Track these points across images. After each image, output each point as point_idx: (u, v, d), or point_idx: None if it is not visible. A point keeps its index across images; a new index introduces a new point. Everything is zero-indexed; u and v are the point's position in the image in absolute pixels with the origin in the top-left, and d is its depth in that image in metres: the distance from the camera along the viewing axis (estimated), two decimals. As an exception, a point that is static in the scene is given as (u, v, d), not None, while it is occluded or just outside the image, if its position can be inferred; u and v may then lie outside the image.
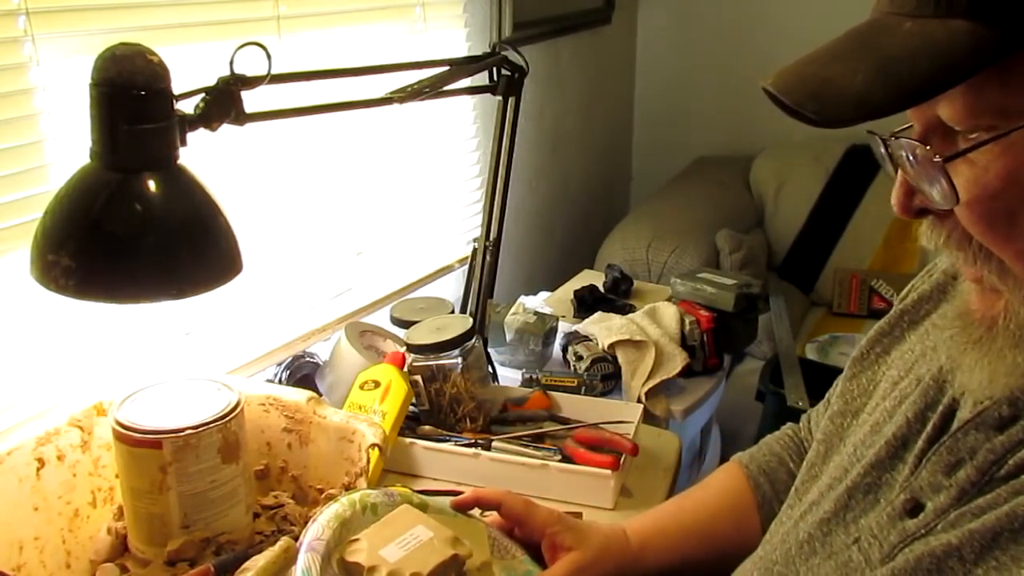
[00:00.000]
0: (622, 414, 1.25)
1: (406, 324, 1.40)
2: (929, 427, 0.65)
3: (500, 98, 1.35)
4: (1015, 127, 0.49)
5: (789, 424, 0.96)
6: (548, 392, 1.31)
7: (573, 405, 1.30)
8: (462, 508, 0.85)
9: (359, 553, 0.72)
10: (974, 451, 0.60)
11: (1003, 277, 0.54)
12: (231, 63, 0.82)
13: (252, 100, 0.87)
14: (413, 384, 1.21)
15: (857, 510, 0.67)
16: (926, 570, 0.58)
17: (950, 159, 0.51)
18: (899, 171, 0.56)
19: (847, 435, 0.75)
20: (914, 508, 0.62)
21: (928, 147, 0.52)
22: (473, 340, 1.26)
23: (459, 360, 1.22)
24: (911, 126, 0.55)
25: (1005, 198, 0.51)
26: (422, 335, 1.25)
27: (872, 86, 0.48)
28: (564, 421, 1.26)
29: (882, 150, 0.57)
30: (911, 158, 0.54)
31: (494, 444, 1.18)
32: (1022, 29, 0.47)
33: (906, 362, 0.73)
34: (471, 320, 1.30)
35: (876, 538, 0.64)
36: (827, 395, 0.88)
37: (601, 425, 1.21)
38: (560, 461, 1.14)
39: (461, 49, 1.78)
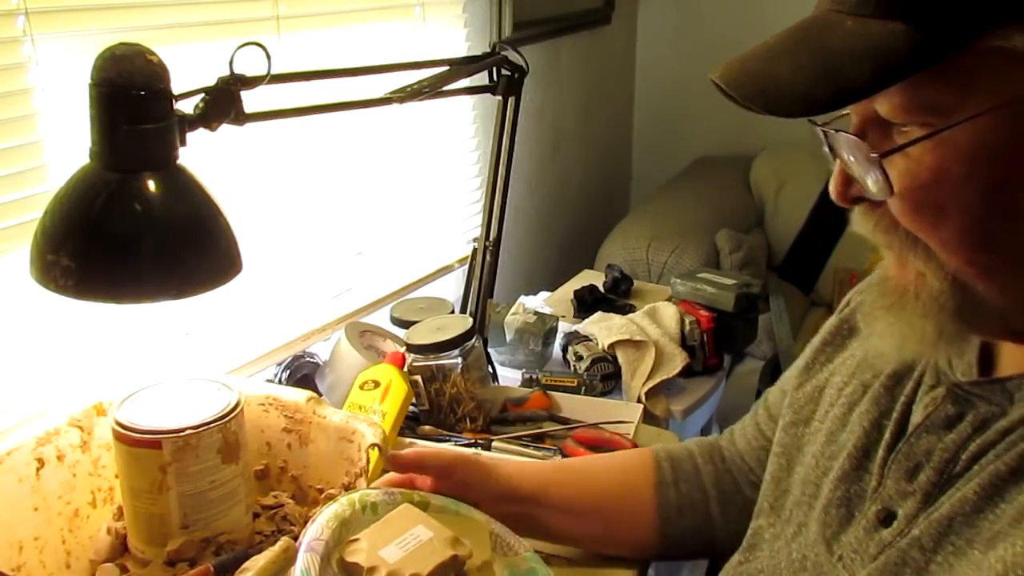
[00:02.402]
0: (622, 414, 1.25)
1: (406, 324, 1.40)
2: (887, 435, 0.67)
3: (500, 98, 1.35)
4: (947, 125, 0.51)
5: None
6: (548, 392, 1.31)
7: (573, 405, 1.30)
8: (402, 469, 0.85)
9: (358, 553, 0.72)
10: (929, 453, 0.62)
11: (927, 261, 0.56)
12: (231, 63, 0.82)
13: (252, 100, 0.87)
14: (413, 384, 1.21)
15: (835, 527, 0.68)
16: (893, 563, 0.60)
17: (886, 155, 0.53)
18: (837, 161, 0.58)
19: (804, 444, 0.77)
20: (887, 517, 0.64)
21: (865, 142, 0.54)
22: (473, 340, 1.26)
23: (459, 360, 1.22)
24: (847, 115, 0.57)
25: (935, 191, 0.53)
26: (422, 335, 1.25)
27: (816, 84, 0.51)
28: (564, 421, 1.26)
29: (822, 137, 0.59)
30: (850, 150, 0.56)
31: (494, 444, 1.18)
32: (956, 32, 0.49)
33: (848, 368, 0.76)
34: (471, 320, 1.30)
35: (857, 552, 0.65)
36: (754, 407, 0.93)
37: (601, 425, 1.21)
38: (560, 461, 1.14)
39: (461, 49, 1.78)
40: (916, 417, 0.65)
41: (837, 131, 0.56)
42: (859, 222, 0.60)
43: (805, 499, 0.73)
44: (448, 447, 1.15)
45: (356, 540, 0.74)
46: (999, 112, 0.50)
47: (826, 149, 0.60)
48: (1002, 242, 0.53)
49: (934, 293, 0.56)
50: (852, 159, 0.56)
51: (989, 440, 0.59)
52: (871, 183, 0.55)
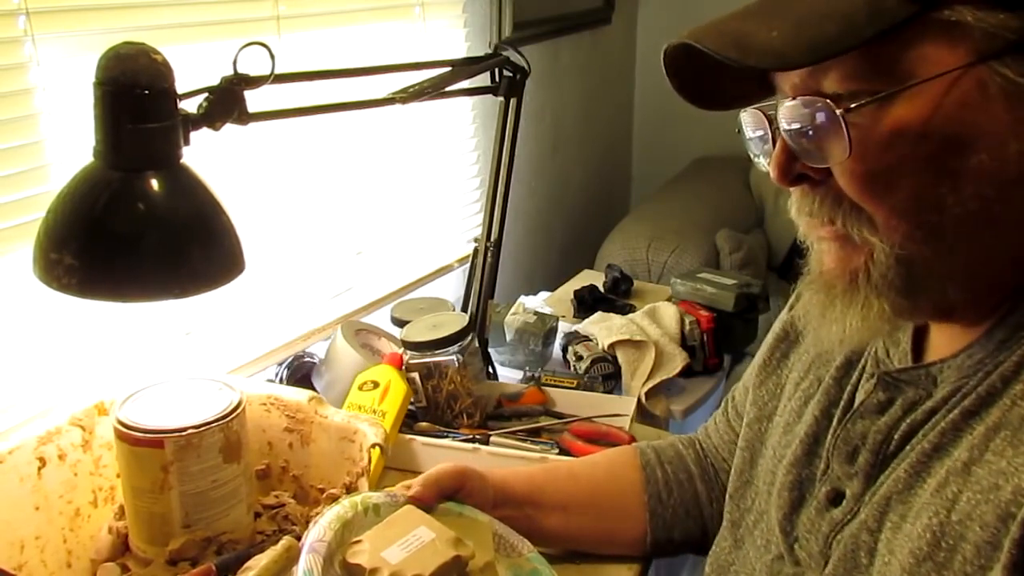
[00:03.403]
0: (616, 407, 1.26)
1: (406, 324, 1.40)
2: (834, 421, 0.71)
3: (501, 99, 1.35)
4: (902, 87, 0.54)
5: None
6: (542, 387, 1.32)
7: (568, 400, 1.31)
8: (427, 497, 0.83)
9: (361, 555, 0.72)
10: (864, 436, 0.67)
11: (872, 234, 0.58)
12: (235, 63, 0.82)
13: (254, 100, 0.87)
14: (410, 381, 1.21)
15: (787, 509, 0.72)
16: (850, 550, 0.64)
17: (851, 110, 0.55)
18: (778, 141, 0.60)
19: (766, 438, 0.81)
20: (836, 497, 0.68)
21: (829, 101, 0.56)
22: (469, 337, 1.26)
23: (455, 357, 1.23)
24: (772, 103, 0.61)
25: (888, 153, 0.55)
26: (419, 332, 1.25)
27: (787, 43, 0.54)
28: (559, 416, 1.26)
29: (747, 119, 0.63)
30: (801, 116, 0.57)
31: (492, 439, 1.18)
32: (914, 2, 0.52)
33: (804, 363, 0.79)
34: (467, 317, 1.30)
35: (811, 532, 0.69)
36: (723, 404, 0.96)
37: (595, 418, 1.21)
38: (558, 454, 1.14)
39: (461, 49, 1.78)
40: (856, 405, 0.70)
41: (795, 97, 0.58)
42: (799, 204, 0.62)
43: (765, 488, 0.78)
44: (449, 444, 1.16)
45: (358, 542, 0.73)
46: (949, 77, 0.53)
47: (750, 133, 0.64)
48: (950, 204, 0.55)
49: (882, 270, 0.59)
50: (800, 129, 0.58)
51: (918, 421, 0.63)
52: (826, 147, 0.57)
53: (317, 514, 0.76)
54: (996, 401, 0.58)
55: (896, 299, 0.59)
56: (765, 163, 0.63)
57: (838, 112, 0.55)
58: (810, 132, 0.57)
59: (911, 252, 0.57)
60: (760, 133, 0.63)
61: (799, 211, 0.63)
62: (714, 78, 0.62)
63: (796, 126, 0.58)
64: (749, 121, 0.64)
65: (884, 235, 0.58)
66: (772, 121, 0.61)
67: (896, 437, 0.64)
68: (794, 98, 0.58)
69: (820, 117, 0.56)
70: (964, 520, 0.56)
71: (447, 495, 0.84)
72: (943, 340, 0.65)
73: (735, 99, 0.65)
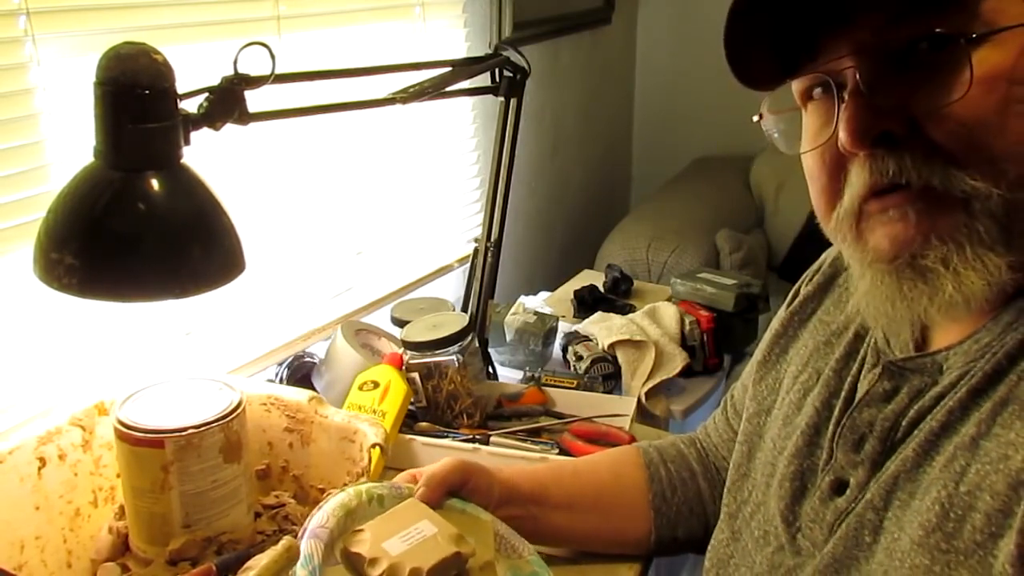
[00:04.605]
0: (616, 407, 1.26)
1: (406, 325, 1.40)
2: (836, 412, 0.72)
3: (501, 99, 1.35)
4: (992, 30, 0.54)
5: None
6: (542, 387, 1.32)
7: (568, 400, 1.31)
8: (434, 498, 0.82)
9: (361, 544, 0.72)
10: (871, 425, 0.67)
11: (979, 178, 0.55)
12: (235, 63, 0.82)
13: (254, 100, 0.87)
14: (410, 381, 1.21)
15: (788, 499, 0.72)
16: (854, 529, 0.65)
17: (980, 38, 0.54)
18: (851, 101, 0.57)
19: (765, 432, 0.81)
20: (840, 486, 0.68)
21: (938, 31, 0.55)
22: (469, 337, 1.26)
23: (455, 357, 1.23)
24: (830, 66, 0.58)
25: (991, 97, 0.54)
26: (419, 332, 1.25)
27: None
28: (559, 416, 1.26)
29: (779, 99, 0.62)
30: (916, 58, 0.56)
31: (492, 439, 1.18)
32: None
33: (802, 357, 0.80)
34: (467, 317, 1.30)
35: (815, 521, 0.69)
36: (721, 403, 0.97)
37: (597, 418, 1.21)
38: (558, 454, 1.14)
39: (461, 49, 1.79)
40: (859, 394, 0.70)
41: (903, 39, 0.55)
42: (868, 171, 0.58)
43: (763, 479, 0.78)
44: (449, 444, 1.16)
45: (360, 531, 0.74)
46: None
47: (772, 118, 0.63)
48: None
49: (986, 224, 0.56)
50: (911, 70, 0.55)
51: (926, 406, 0.63)
52: (937, 85, 0.55)
53: (322, 502, 0.76)
54: (1003, 379, 0.59)
55: (995, 256, 0.57)
56: (788, 143, 0.62)
57: (962, 42, 0.54)
58: (921, 71, 0.56)
59: (1021, 198, 0.55)
60: (788, 116, 0.62)
61: (861, 182, 0.59)
62: (748, 54, 0.61)
63: (905, 67, 0.56)
64: (780, 99, 0.62)
65: (992, 180, 0.55)
66: (845, 83, 0.58)
67: (904, 424, 0.65)
68: (899, 39, 0.56)
69: (938, 54, 0.55)
70: (973, 491, 0.57)
71: (452, 492, 0.84)
72: (949, 329, 0.65)
73: (761, 81, 0.63)
